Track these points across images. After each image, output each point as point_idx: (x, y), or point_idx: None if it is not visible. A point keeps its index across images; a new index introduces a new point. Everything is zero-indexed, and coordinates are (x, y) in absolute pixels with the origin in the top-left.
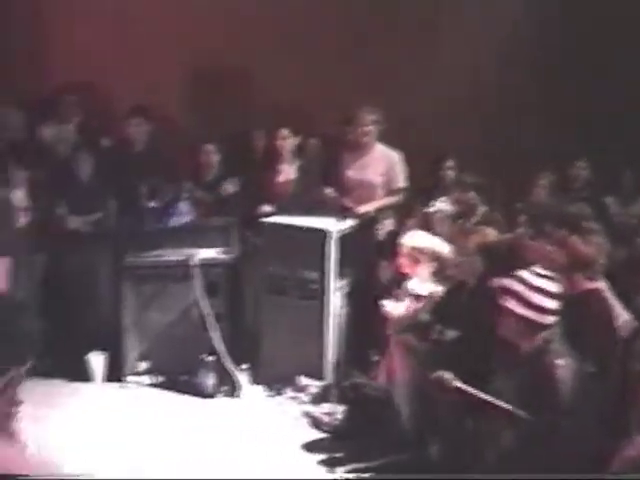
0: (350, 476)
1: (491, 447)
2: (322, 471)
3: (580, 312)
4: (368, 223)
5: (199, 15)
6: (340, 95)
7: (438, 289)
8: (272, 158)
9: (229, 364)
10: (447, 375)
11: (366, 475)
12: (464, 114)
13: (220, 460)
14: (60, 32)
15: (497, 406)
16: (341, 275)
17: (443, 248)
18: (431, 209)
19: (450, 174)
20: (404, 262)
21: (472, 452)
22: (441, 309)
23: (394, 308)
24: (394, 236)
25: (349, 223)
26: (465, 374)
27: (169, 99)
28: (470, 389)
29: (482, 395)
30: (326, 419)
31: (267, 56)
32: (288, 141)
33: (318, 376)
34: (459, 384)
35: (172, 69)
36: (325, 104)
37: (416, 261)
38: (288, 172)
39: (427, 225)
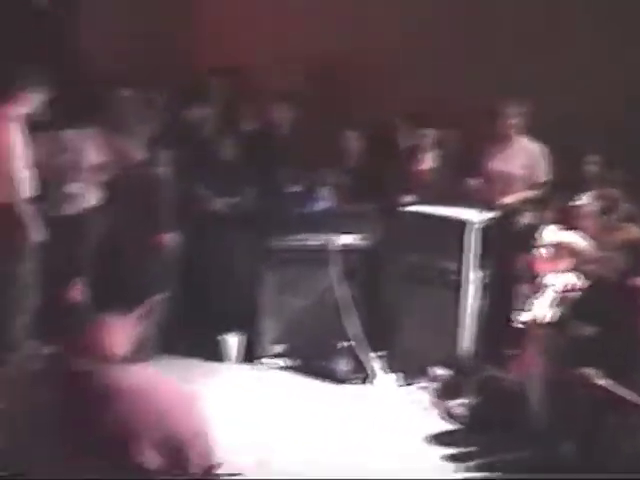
0: (477, 476)
1: (629, 445)
2: (449, 465)
3: None
4: (509, 215)
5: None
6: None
7: (576, 284)
8: (412, 148)
9: (363, 351)
10: (590, 372)
11: (494, 474)
12: (609, 110)
13: (347, 446)
14: (207, 17)
15: (638, 404)
16: (480, 266)
17: (582, 243)
18: (577, 203)
19: (594, 169)
20: (543, 256)
21: (608, 450)
22: (579, 304)
23: (534, 304)
24: (533, 229)
25: (490, 215)
26: (603, 371)
27: (310, 87)
28: (613, 386)
29: (624, 392)
30: (457, 411)
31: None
32: (428, 132)
33: (451, 367)
34: (602, 381)
35: (312, 59)
36: (462, 98)
37: (555, 255)
38: (428, 161)
39: (569, 219)
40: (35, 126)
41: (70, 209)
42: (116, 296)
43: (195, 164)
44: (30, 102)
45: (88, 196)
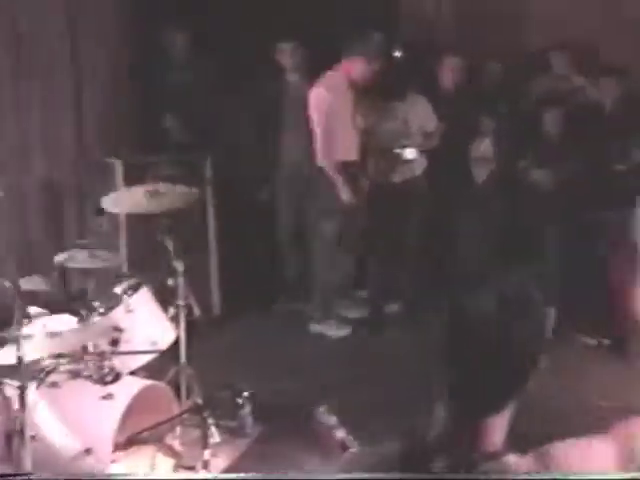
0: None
1: None
2: None
3: None
4: None
5: None
6: None
7: None
8: None
9: None
10: None
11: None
12: None
13: None
14: None
15: None
16: None
17: None
18: None
19: None
20: None
21: None
22: None
23: None
24: None
25: None
26: None
27: None
28: None
29: None
30: None
31: None
32: None
33: None
34: None
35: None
36: None
37: None
38: None
39: None
40: (362, 93)
41: (395, 177)
42: None
43: (517, 135)
44: (362, 69)
45: (414, 165)
